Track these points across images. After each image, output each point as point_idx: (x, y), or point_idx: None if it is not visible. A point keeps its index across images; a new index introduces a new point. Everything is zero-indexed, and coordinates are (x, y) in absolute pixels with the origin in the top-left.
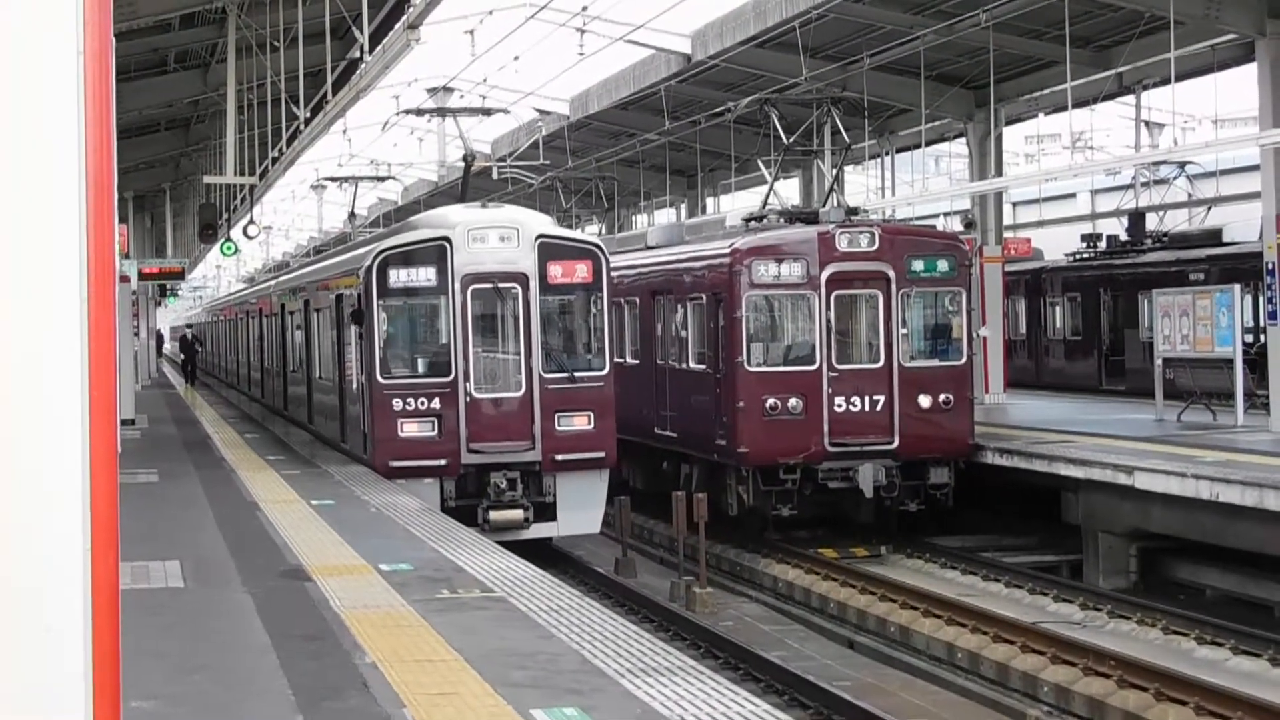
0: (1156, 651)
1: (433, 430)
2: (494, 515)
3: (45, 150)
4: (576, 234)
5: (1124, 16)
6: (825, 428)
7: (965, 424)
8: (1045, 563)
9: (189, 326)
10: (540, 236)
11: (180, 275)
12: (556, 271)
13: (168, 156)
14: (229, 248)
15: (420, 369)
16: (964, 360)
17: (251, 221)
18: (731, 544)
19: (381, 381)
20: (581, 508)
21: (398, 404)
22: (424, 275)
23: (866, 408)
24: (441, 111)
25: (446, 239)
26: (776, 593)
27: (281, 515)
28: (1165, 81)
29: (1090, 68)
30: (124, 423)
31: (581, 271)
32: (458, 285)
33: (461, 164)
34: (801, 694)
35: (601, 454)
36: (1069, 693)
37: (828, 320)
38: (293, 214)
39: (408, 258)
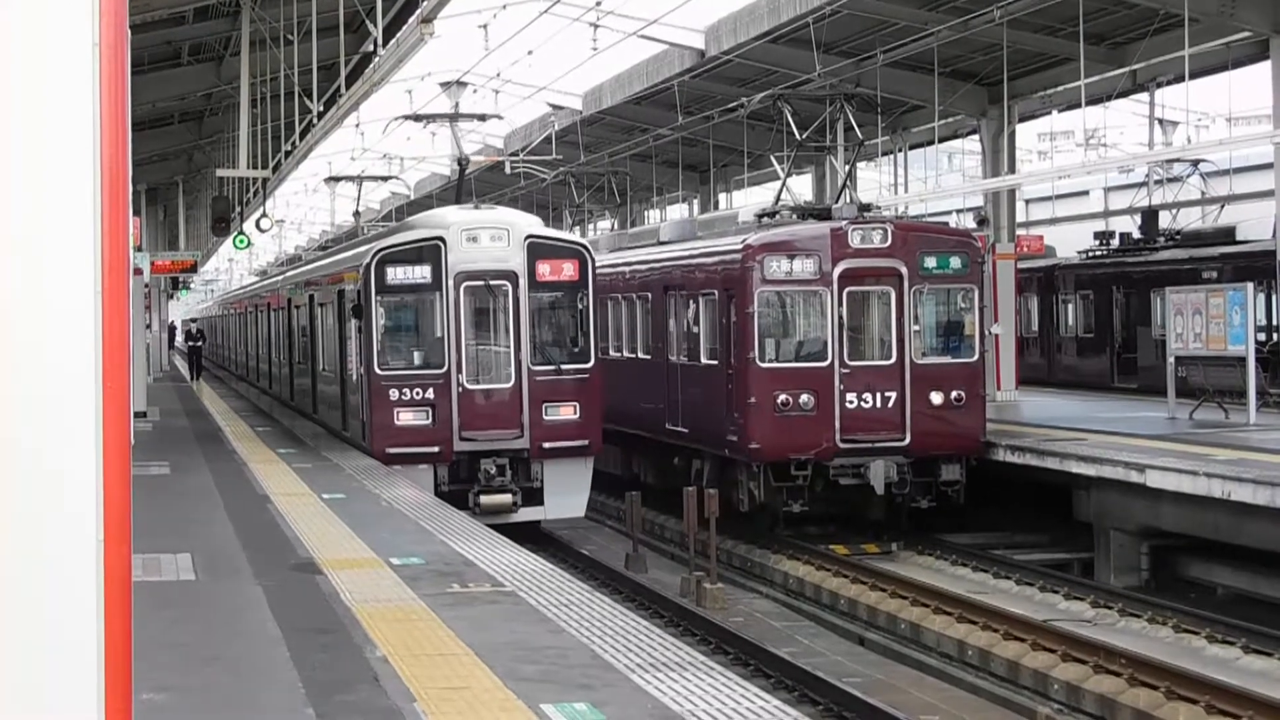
0: (1167, 650)
1: (427, 419)
2: (484, 500)
3: (60, 142)
4: (564, 234)
5: (1138, 14)
6: (837, 424)
7: (977, 421)
8: (1056, 560)
9: (194, 321)
10: (529, 236)
11: (192, 268)
12: (545, 270)
13: (181, 149)
14: (241, 241)
15: (416, 361)
16: (976, 357)
17: (264, 215)
18: (742, 540)
19: (379, 373)
20: (567, 493)
21: (394, 394)
22: (419, 273)
23: (878, 404)
24: (438, 117)
25: (441, 238)
26: (787, 589)
27: (292, 508)
28: (1179, 79)
29: (1104, 65)
30: (136, 415)
31: (568, 270)
32: (451, 282)
33: (471, 161)
34: (812, 690)
35: (586, 442)
36: (1080, 690)
37: (840, 316)
38: (305, 207)
39: (404, 256)
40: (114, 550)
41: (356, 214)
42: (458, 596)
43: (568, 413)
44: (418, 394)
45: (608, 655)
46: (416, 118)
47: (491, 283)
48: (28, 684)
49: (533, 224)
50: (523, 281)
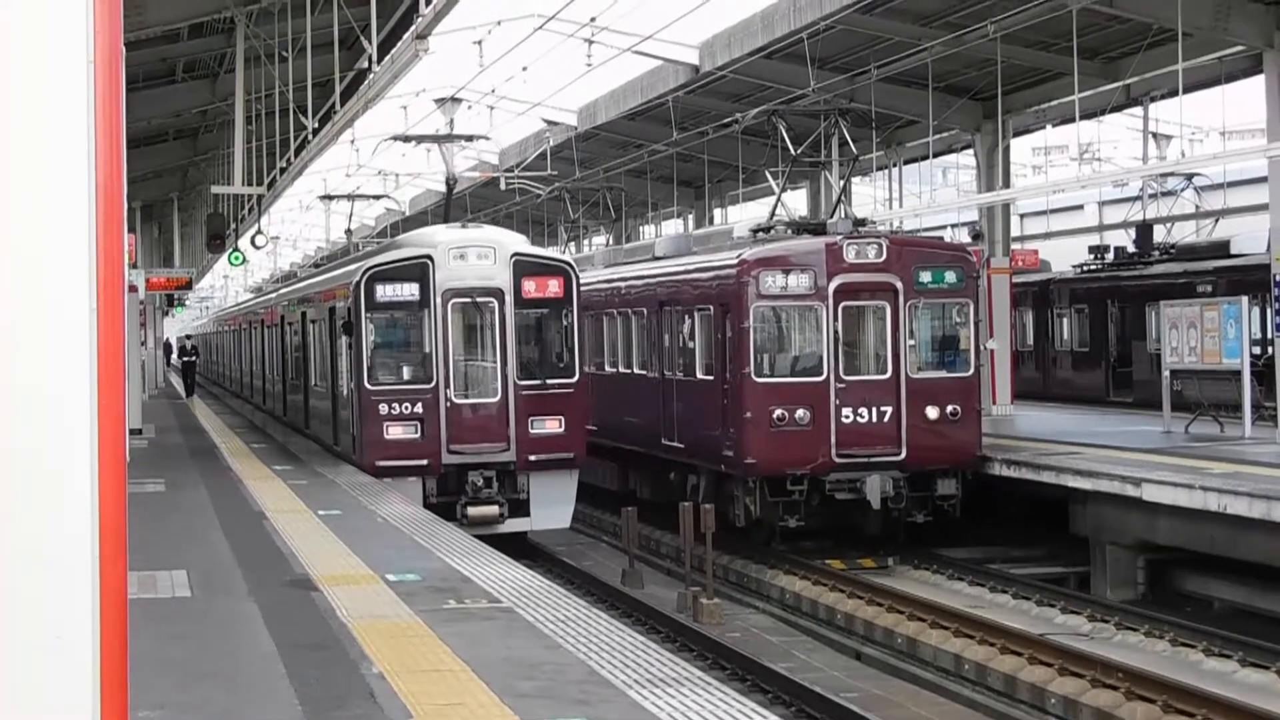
0: (1164, 663)
1: (416, 433)
2: (472, 511)
3: (55, 159)
4: (549, 252)
5: (1132, 28)
6: (832, 439)
7: (973, 435)
8: (1053, 574)
9: (189, 337)
10: (515, 255)
11: (188, 285)
12: (530, 287)
13: (176, 166)
14: (236, 258)
15: (405, 376)
16: (971, 371)
17: (259, 231)
18: (738, 555)
19: (369, 388)
20: (553, 504)
21: (384, 409)
22: (408, 290)
23: (874, 419)
24: (427, 138)
25: (429, 257)
26: (784, 604)
27: (288, 525)
28: (1173, 93)
29: (1098, 79)
30: (131, 432)
31: (553, 287)
32: (439, 299)
33: (460, 180)
34: (809, 705)
35: (571, 455)
36: (1077, 704)
37: (835, 331)
38: (300, 224)
39: (393, 274)
40: (110, 567)
41: (348, 232)
42: (454, 612)
43: (553, 426)
44: (407, 408)
45: (604, 671)
46: (406, 138)
47: (478, 300)
48: (23, 702)
49: (519, 242)
50: (509, 298)
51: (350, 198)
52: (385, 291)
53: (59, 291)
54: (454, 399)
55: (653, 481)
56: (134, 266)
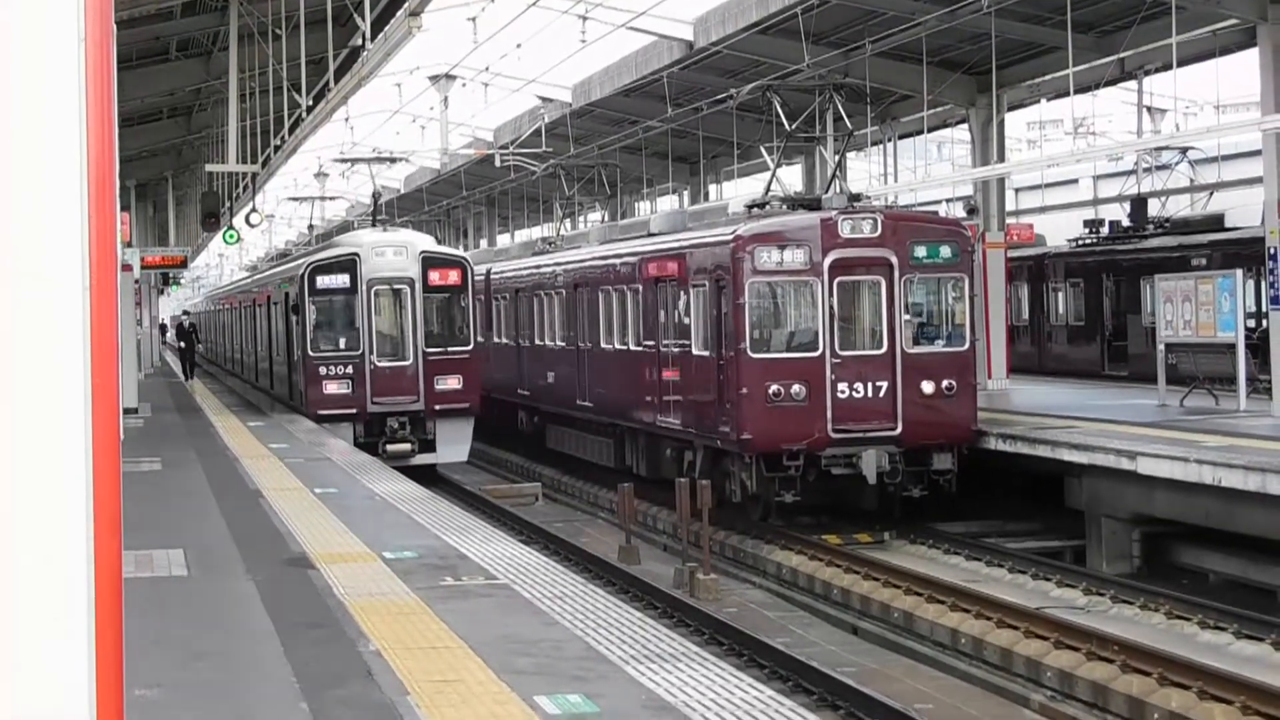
0: (1159, 636)
1: (347, 389)
2: (390, 448)
3: (46, 138)
4: (450, 250)
5: (1126, 2)
6: (828, 414)
7: (968, 410)
8: (1048, 548)
9: (186, 313)
10: (423, 252)
11: (182, 264)
12: (435, 277)
13: (170, 144)
14: (231, 236)
15: (339, 345)
16: (967, 346)
17: (253, 210)
18: (735, 530)
19: (311, 355)
20: (454, 443)
21: (323, 370)
22: (341, 280)
23: (869, 394)
24: (359, 160)
25: (357, 254)
26: (780, 579)
27: (285, 503)
28: (1167, 67)
29: (1092, 53)
30: (127, 411)
31: (453, 277)
32: (365, 286)
33: (467, 154)
34: (805, 680)
35: (468, 405)
36: (1072, 678)
37: (830, 307)
38: (295, 202)
39: (329, 267)
40: (105, 546)
41: (310, 227)
42: (451, 590)
43: (454, 383)
44: (340, 370)
45: (601, 647)
46: (344, 160)
47: (395, 287)
48: (19, 680)
49: (426, 242)
50: (418, 285)
51: (312, 199)
52: (323, 281)
53: (52, 271)
54: (376, 362)
55: (649, 457)
56: (128, 245)
